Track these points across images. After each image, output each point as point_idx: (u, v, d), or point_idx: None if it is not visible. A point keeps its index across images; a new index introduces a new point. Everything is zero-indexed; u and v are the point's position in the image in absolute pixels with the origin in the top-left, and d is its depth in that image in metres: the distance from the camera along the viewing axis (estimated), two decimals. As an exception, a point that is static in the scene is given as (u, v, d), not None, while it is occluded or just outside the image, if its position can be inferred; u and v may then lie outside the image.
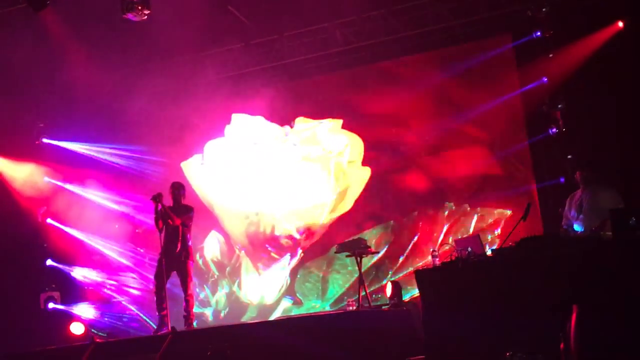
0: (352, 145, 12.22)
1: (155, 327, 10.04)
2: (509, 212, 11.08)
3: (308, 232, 12.28)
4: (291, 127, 12.57)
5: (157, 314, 9.51)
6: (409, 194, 11.88)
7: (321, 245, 12.31)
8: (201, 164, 12.72)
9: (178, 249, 9.50)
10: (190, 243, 9.75)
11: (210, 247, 12.98)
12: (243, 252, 12.69)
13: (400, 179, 11.93)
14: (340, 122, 12.32)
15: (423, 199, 11.83)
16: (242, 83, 12.45)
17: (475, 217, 11.41)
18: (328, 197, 12.18)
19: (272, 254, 12.44)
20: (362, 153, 12.16)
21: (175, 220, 9.48)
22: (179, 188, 9.88)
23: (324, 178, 12.24)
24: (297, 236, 12.29)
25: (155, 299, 9.52)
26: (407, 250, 11.73)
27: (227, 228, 12.77)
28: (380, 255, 11.67)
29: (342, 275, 12.08)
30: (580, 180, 8.29)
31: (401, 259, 11.71)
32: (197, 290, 12.41)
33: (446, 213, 11.66)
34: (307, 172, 12.32)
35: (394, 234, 11.95)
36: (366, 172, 12.08)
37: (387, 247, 11.82)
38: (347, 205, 12.15)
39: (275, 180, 12.39)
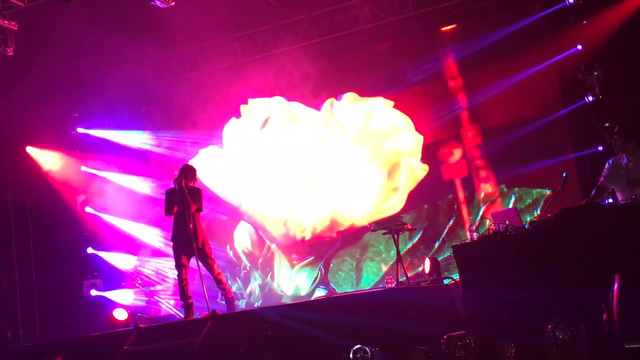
0: (417, 137, 11.74)
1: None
2: (547, 191, 10.81)
3: (346, 231, 12.05)
4: (337, 100, 12.13)
5: (182, 304, 9.38)
6: (444, 176, 11.67)
7: (354, 233, 12.09)
8: (224, 153, 12.51)
9: (193, 235, 9.11)
10: (200, 226, 9.39)
11: (240, 238, 12.83)
12: (274, 245, 12.51)
13: (435, 159, 11.73)
14: (392, 103, 11.92)
15: (458, 181, 11.61)
16: (272, 65, 12.39)
17: (513, 198, 11.17)
18: (376, 194, 11.77)
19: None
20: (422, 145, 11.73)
21: (191, 207, 9.18)
22: (190, 171, 9.49)
23: (379, 175, 11.77)
24: (334, 235, 12.10)
25: (179, 289, 9.34)
26: (443, 235, 11.52)
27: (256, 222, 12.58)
28: (415, 240, 11.53)
29: (376, 262, 11.95)
30: (616, 147, 8.10)
31: (437, 244, 11.49)
32: (229, 282, 12.26)
33: (482, 195, 11.45)
34: (356, 164, 11.81)
35: (429, 218, 11.72)
36: (424, 170, 11.71)
37: (421, 232, 11.63)
38: (397, 205, 11.72)
39: (312, 176, 12.04)
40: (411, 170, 11.75)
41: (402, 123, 11.84)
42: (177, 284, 9.40)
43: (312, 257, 12.30)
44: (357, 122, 12.03)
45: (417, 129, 11.84)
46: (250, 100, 12.50)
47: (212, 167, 12.52)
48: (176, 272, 9.37)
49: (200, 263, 9.30)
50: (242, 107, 12.55)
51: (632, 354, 6.00)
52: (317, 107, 12.32)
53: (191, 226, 9.12)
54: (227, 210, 12.70)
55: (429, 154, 11.78)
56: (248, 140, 12.44)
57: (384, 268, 11.70)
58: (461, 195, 11.60)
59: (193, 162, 11.56)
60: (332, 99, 12.17)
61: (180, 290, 9.30)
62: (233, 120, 12.60)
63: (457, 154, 11.67)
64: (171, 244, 9.46)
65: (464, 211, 11.46)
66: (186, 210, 9.14)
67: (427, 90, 11.79)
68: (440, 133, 11.78)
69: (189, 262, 9.39)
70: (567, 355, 6.39)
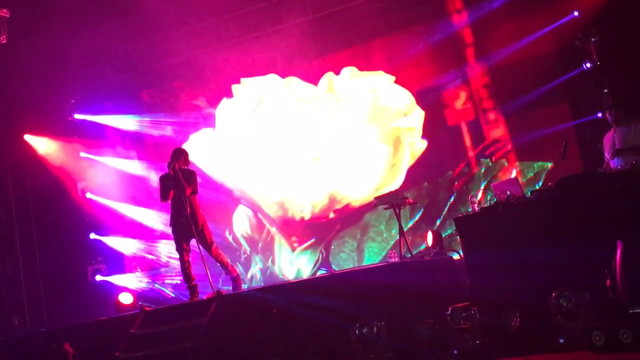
0: (420, 113, 11.49)
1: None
2: (549, 164, 10.50)
3: (345, 209, 11.93)
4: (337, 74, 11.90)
5: (186, 287, 9.39)
6: (442, 151, 11.55)
7: (353, 213, 11.98)
8: (217, 135, 12.35)
9: (190, 217, 9.11)
10: (197, 208, 9.35)
11: (239, 223, 12.74)
12: (274, 228, 12.41)
13: (434, 134, 11.59)
14: (393, 78, 11.72)
15: (457, 157, 11.50)
16: (268, 43, 12.28)
17: (514, 172, 11.02)
18: (380, 173, 11.58)
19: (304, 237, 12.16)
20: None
21: (187, 190, 9.15)
22: (182, 154, 9.43)
23: (382, 151, 11.54)
24: (334, 215, 11.98)
25: (182, 272, 9.40)
26: (444, 213, 11.41)
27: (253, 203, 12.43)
28: (417, 218, 11.46)
29: (378, 243, 11.85)
30: (612, 119, 8.09)
31: (438, 222, 11.37)
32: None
33: (483, 170, 11.34)
34: (360, 142, 11.61)
35: (429, 196, 11.61)
36: (423, 145, 11.53)
37: (422, 210, 11.53)
38: (397, 183, 11.57)
39: (313, 154, 11.83)
40: (412, 146, 11.63)
41: (406, 100, 11.67)
42: (180, 268, 9.43)
43: (313, 240, 12.22)
44: (361, 99, 11.85)
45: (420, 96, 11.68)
46: (242, 80, 12.37)
47: (206, 149, 12.38)
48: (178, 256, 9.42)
49: (200, 245, 9.33)
50: (234, 87, 12.43)
51: (637, 319, 6.02)
52: (315, 83, 12.17)
53: (188, 210, 9.12)
54: (224, 194, 12.62)
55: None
56: (242, 120, 12.28)
57: (386, 247, 11.58)
58: (461, 171, 11.51)
59: (186, 145, 11.54)
60: (331, 73, 11.99)
61: (184, 273, 9.35)
62: (225, 100, 12.47)
63: (463, 96, 11.50)
64: (170, 228, 9.49)
65: (464, 188, 11.29)
66: (182, 195, 9.14)
67: (424, 62, 11.65)
68: (435, 110, 11.63)
69: (189, 245, 9.42)
70: (571, 323, 6.42)
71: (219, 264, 9.50)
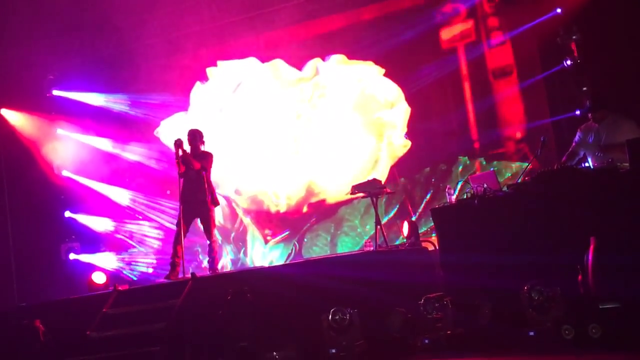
0: (406, 109, 11.39)
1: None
2: (527, 165, 10.69)
3: (322, 203, 11.85)
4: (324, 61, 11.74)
5: (170, 259, 9.50)
6: (420, 148, 11.50)
7: (328, 207, 11.95)
8: (190, 119, 12.17)
9: (201, 195, 9.43)
10: (213, 188, 9.68)
11: None
12: (248, 219, 12.35)
13: (412, 130, 11.55)
14: (382, 70, 11.61)
15: (435, 153, 11.50)
16: (253, 26, 12.18)
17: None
18: (359, 164, 11.49)
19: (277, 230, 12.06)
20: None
21: (194, 165, 9.41)
22: (196, 135, 9.74)
23: (364, 141, 11.46)
24: (309, 208, 11.91)
25: (172, 245, 9.53)
26: (420, 209, 11.44)
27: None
28: (392, 214, 11.46)
29: (351, 237, 11.83)
30: (594, 121, 8.14)
31: (414, 219, 11.23)
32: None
33: (460, 168, 11.36)
34: (343, 133, 11.49)
35: (405, 192, 11.63)
36: (405, 143, 11.47)
37: (397, 206, 11.54)
38: (377, 176, 11.21)
39: (292, 142, 11.68)
40: (391, 142, 11.60)
41: (394, 94, 11.59)
42: (173, 240, 9.56)
43: (286, 233, 12.18)
44: (348, 88, 11.76)
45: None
46: (219, 63, 12.25)
47: (179, 134, 12.27)
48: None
49: (202, 224, 9.51)
50: (209, 70, 12.32)
51: (606, 314, 6.11)
52: (300, 68, 12.07)
53: (200, 187, 9.40)
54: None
55: (412, 94, 11.50)
56: (217, 104, 12.19)
57: (360, 243, 11.48)
58: (438, 168, 11.43)
59: (159, 129, 11.93)
60: (318, 60, 11.87)
61: (173, 248, 9.47)
62: (198, 84, 12.37)
63: (442, 92, 11.44)
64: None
65: (441, 185, 11.19)
66: (191, 171, 9.41)
67: (407, 55, 11.60)
68: (413, 105, 11.51)
69: (189, 222, 9.60)
70: (542, 316, 6.50)
71: (208, 246, 9.60)
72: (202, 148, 9.70)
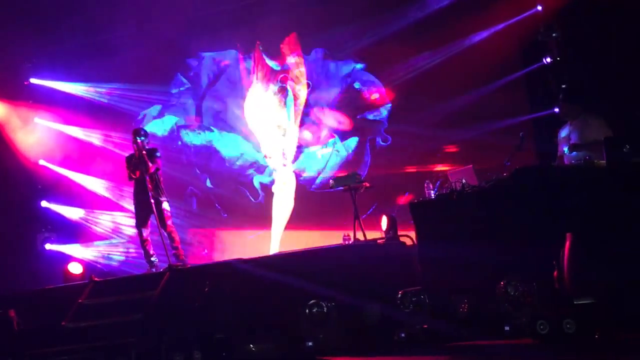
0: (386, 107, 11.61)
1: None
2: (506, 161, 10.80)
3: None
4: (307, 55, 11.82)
5: (145, 261, 9.48)
6: (397, 143, 11.53)
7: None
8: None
9: (153, 193, 9.33)
10: (162, 184, 9.59)
11: (189, 202, 12.66)
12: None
13: (391, 127, 11.62)
14: (362, 65, 11.80)
15: (414, 150, 11.54)
16: (235, 18, 12.10)
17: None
18: (338, 160, 11.68)
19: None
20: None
21: (150, 169, 9.33)
22: (141, 134, 9.58)
23: (344, 144, 11.69)
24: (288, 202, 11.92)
25: (141, 248, 9.56)
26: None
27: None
28: (369, 212, 11.34)
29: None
30: (562, 114, 8.16)
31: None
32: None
33: (439, 166, 11.40)
34: (324, 130, 11.73)
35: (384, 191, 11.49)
36: (385, 142, 11.63)
37: (375, 205, 11.45)
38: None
39: (269, 134, 11.84)
40: (372, 141, 11.68)
41: (375, 90, 11.67)
42: (139, 244, 9.57)
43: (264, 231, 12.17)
44: (331, 84, 11.84)
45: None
46: (201, 54, 12.25)
47: (158, 126, 12.35)
48: (132, 223, 9.45)
49: (157, 220, 9.38)
50: (191, 62, 12.30)
51: (581, 310, 6.17)
52: (283, 62, 12.10)
53: (150, 186, 9.27)
54: (177, 171, 12.45)
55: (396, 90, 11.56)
56: (198, 96, 12.22)
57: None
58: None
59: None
60: (297, 57, 11.94)
61: (143, 250, 9.50)
62: (179, 75, 12.37)
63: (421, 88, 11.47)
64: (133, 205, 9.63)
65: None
66: (146, 173, 9.27)
67: (391, 51, 11.64)
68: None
69: (149, 222, 9.54)
70: (518, 311, 6.55)
71: (168, 239, 9.54)
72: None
